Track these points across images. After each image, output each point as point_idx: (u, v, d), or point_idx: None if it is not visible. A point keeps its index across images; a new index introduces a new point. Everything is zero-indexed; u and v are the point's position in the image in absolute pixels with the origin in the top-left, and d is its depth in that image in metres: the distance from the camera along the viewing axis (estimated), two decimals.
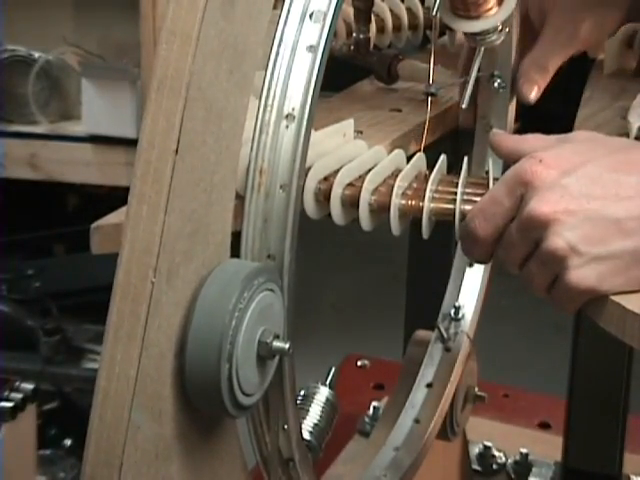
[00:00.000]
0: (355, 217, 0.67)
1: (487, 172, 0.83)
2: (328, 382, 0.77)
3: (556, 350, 1.73)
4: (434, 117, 0.97)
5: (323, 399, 0.76)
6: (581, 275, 0.56)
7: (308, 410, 0.75)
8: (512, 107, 0.93)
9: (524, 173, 0.58)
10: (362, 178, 0.67)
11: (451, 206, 0.66)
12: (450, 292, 1.03)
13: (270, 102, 0.59)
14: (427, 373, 1.01)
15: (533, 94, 0.88)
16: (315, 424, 0.74)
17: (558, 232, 0.56)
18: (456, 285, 1.03)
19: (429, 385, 1.00)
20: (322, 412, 0.75)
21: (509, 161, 0.64)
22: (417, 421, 0.98)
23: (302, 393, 0.76)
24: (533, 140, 0.63)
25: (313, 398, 0.76)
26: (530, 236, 0.58)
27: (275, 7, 0.60)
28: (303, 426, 0.74)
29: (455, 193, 0.67)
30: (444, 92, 1.03)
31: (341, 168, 0.67)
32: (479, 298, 1.03)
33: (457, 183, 0.67)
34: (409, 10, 1.18)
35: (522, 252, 0.59)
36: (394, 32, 1.16)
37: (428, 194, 0.67)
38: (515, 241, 0.59)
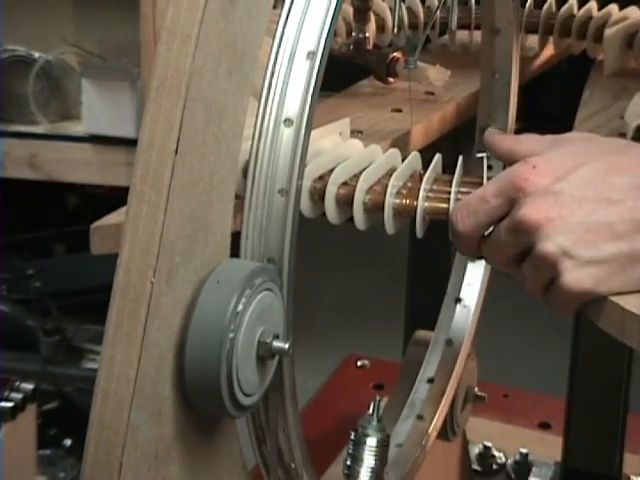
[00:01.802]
0: (350, 216, 0.66)
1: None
2: (375, 413, 0.75)
3: (556, 350, 1.73)
4: (434, 117, 0.97)
5: (374, 443, 0.74)
6: (576, 278, 0.56)
7: (362, 459, 0.74)
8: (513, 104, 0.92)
9: (517, 179, 0.58)
10: (357, 177, 0.67)
11: (445, 205, 0.66)
12: None
13: (269, 105, 0.59)
14: (428, 369, 1.01)
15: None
16: (372, 468, 0.74)
17: (550, 237, 0.56)
18: None
19: (430, 380, 1.00)
20: (376, 455, 0.74)
21: (504, 161, 0.64)
22: (420, 417, 0.98)
23: (352, 438, 0.74)
24: (528, 142, 0.63)
25: (365, 443, 0.74)
26: (520, 239, 0.58)
27: (275, 7, 0.60)
28: (361, 472, 0.73)
29: (449, 192, 0.66)
30: (444, 92, 1.03)
31: (336, 167, 0.67)
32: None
33: (452, 182, 0.67)
34: (409, 9, 1.18)
35: (509, 252, 0.59)
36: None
37: (422, 193, 0.66)
38: (503, 241, 0.59)
